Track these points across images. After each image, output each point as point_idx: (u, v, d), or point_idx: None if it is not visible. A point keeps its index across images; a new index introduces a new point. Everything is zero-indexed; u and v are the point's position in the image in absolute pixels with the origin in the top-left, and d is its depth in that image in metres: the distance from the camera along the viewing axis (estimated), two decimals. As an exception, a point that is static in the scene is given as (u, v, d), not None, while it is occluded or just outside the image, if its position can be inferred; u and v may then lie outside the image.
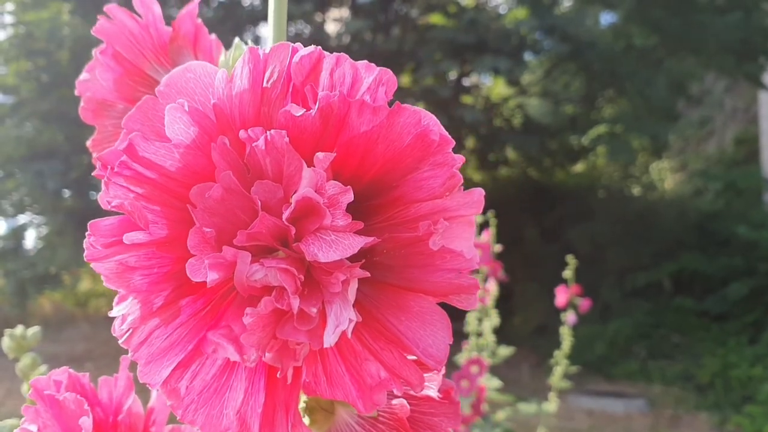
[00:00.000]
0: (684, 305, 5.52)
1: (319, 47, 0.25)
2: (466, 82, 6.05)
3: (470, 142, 5.85)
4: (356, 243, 0.24)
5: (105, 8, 0.34)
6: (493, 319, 1.77)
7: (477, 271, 1.67)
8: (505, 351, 1.76)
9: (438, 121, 0.25)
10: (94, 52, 0.36)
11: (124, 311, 0.26)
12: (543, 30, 4.96)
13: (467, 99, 5.87)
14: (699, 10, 5.26)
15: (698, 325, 5.43)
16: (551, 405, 1.98)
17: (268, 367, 0.26)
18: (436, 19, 5.58)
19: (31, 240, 6.42)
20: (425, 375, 0.28)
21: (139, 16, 0.35)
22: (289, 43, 0.25)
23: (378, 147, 0.25)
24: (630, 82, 5.05)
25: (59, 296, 7.43)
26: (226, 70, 0.27)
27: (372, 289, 0.27)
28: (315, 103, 0.24)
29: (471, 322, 1.71)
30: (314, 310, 0.24)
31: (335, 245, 0.24)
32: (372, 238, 0.25)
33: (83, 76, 0.37)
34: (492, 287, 1.84)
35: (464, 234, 0.27)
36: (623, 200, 6.37)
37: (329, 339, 0.24)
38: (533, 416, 1.98)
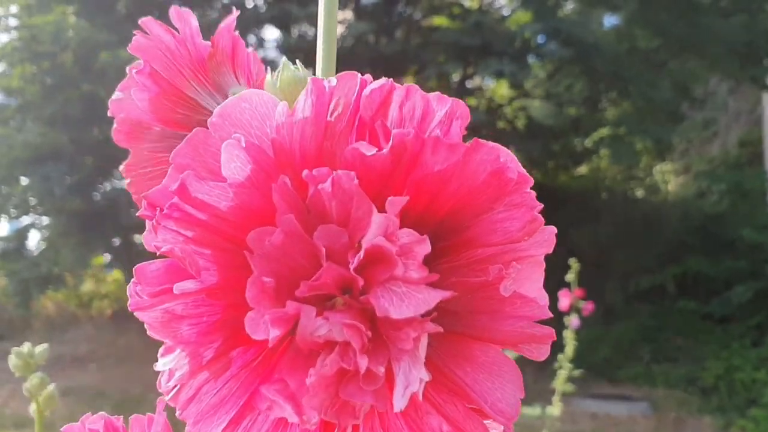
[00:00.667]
0: (688, 308, 5.51)
1: (391, 80, 0.23)
2: (470, 84, 6.05)
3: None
4: (432, 298, 0.22)
5: (141, 22, 0.32)
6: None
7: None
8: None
9: (515, 158, 0.24)
10: (129, 69, 0.34)
11: (171, 365, 0.24)
12: (547, 33, 4.96)
13: (471, 101, 5.87)
14: (703, 13, 5.26)
15: (702, 328, 5.42)
16: (555, 409, 1.98)
17: (323, 422, 0.24)
18: (440, 21, 5.58)
19: (34, 241, 6.46)
20: (485, 422, 0.26)
21: (176, 30, 0.34)
22: (356, 73, 0.23)
23: (450, 186, 0.23)
24: (633, 85, 5.05)
25: (62, 297, 7.44)
26: (275, 94, 0.26)
27: (435, 338, 0.24)
28: (386, 141, 0.23)
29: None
30: (381, 369, 0.22)
31: (408, 299, 0.22)
32: (449, 293, 0.22)
33: (116, 95, 0.34)
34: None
35: (534, 275, 0.25)
36: (627, 202, 6.37)
37: (399, 403, 0.22)
38: (537, 419, 1.98)
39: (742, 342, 5.08)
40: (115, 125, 0.35)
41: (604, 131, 5.60)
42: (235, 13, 0.34)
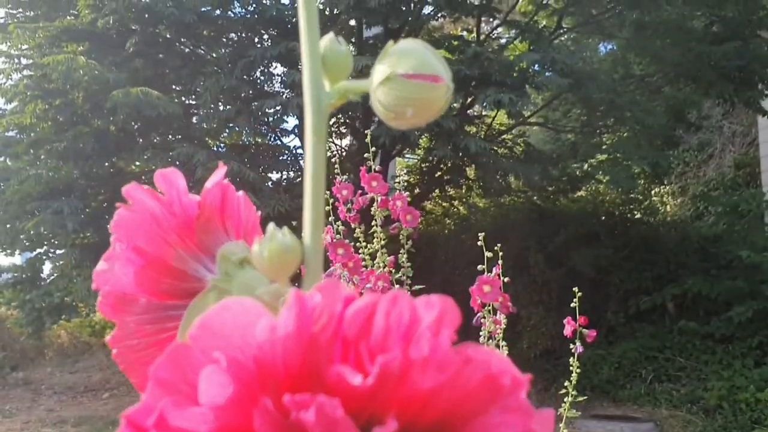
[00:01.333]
0: (688, 328, 5.60)
1: (377, 295, 0.23)
2: (470, 112, 6.18)
3: (473, 171, 5.97)
4: None
5: (124, 191, 0.32)
6: (503, 350, 1.88)
7: (488, 306, 1.78)
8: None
9: (509, 361, 0.23)
10: (112, 240, 0.33)
11: None
12: (543, 63, 5.09)
13: (471, 129, 6.00)
14: (696, 39, 5.40)
15: (703, 347, 5.50)
16: (559, 434, 2.07)
17: None
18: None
19: (47, 270, 6.56)
20: None
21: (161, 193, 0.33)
22: (339, 285, 0.24)
23: (440, 398, 0.23)
24: (629, 111, 5.18)
25: (75, 326, 7.55)
26: (262, 265, 0.28)
27: None
28: (371, 363, 0.23)
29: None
30: None
31: None
32: None
33: (100, 265, 0.34)
34: (502, 320, 1.95)
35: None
36: (625, 225, 6.47)
37: None
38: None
39: (744, 362, 5.16)
40: (100, 298, 0.35)
41: (601, 157, 5.72)
42: (222, 168, 0.34)
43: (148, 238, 0.33)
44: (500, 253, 1.95)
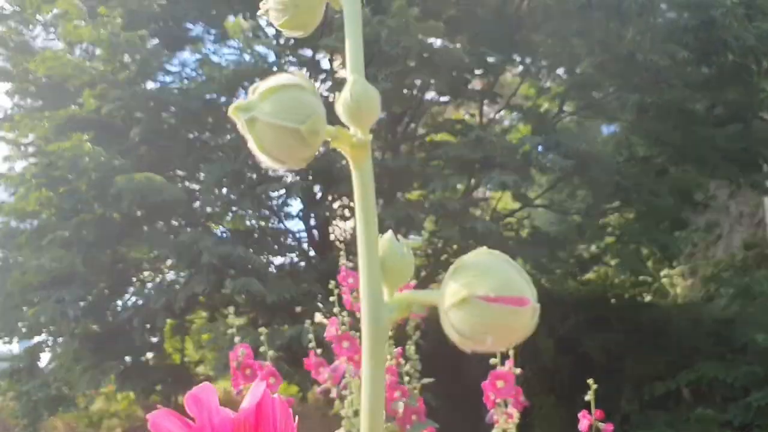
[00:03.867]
0: (706, 415, 5.41)
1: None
2: (475, 194, 6.17)
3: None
4: None
5: (149, 420, 0.31)
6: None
7: (501, 402, 1.69)
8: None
9: None
10: None
11: None
12: (546, 145, 5.11)
13: (476, 211, 5.98)
14: (699, 122, 5.43)
15: (722, 436, 5.31)
16: None
17: None
18: (442, 137, 5.76)
19: (45, 360, 6.42)
20: None
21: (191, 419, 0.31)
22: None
23: None
24: (635, 193, 5.16)
25: (72, 417, 7.34)
26: None
27: None
28: None
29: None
30: None
31: None
32: None
33: None
34: (514, 413, 1.85)
35: None
36: (636, 308, 6.36)
37: None
38: None
39: (764, 450, 4.97)
40: None
41: (609, 240, 5.67)
42: (261, 385, 0.33)
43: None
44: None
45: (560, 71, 5.96)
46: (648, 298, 6.73)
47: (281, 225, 6.13)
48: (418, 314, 2.06)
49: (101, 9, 4.89)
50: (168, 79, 5.56)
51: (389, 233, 0.30)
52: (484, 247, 0.31)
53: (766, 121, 5.57)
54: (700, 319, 6.03)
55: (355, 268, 2.15)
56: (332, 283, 1.99)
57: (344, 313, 1.98)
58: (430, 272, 6.24)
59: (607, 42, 4.98)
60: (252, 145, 0.31)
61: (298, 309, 5.11)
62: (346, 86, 0.32)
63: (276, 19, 0.35)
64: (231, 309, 2.01)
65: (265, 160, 0.32)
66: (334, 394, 1.84)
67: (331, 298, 1.94)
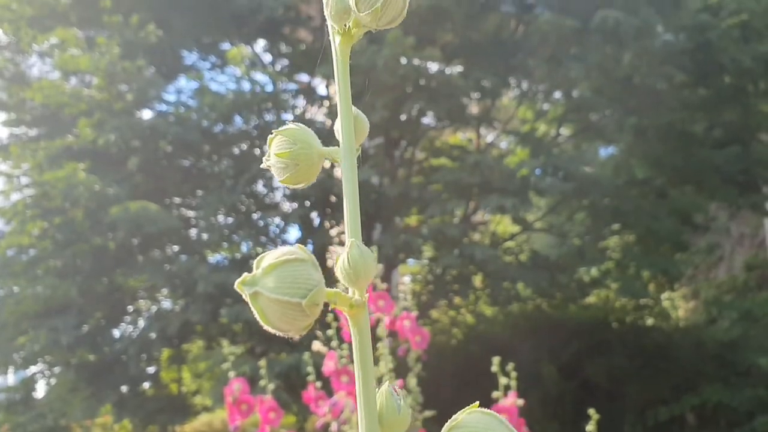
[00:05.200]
0: (711, 440, 5.35)
1: None
2: (474, 218, 6.14)
3: (479, 279, 5.87)
4: None
5: None
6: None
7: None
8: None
9: None
10: None
11: None
12: (544, 169, 5.09)
13: (475, 236, 5.94)
14: (697, 144, 5.42)
15: (728, 461, 5.23)
16: None
17: None
18: (439, 161, 5.74)
19: (40, 391, 6.34)
20: None
21: None
22: None
23: None
24: (634, 216, 5.13)
25: (67, 449, 7.24)
26: None
27: None
28: None
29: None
30: None
31: None
32: None
33: None
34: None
35: None
36: (638, 332, 6.31)
37: None
38: None
39: (771, 475, 4.89)
40: None
41: (609, 263, 5.63)
42: None
43: None
44: (514, 374, 1.82)
45: (557, 94, 5.97)
46: (650, 321, 6.67)
47: (279, 252, 6.08)
48: (420, 346, 2.01)
49: (99, 39, 4.89)
50: (165, 107, 5.55)
51: (386, 387, 0.33)
52: (476, 405, 0.33)
53: (765, 143, 5.56)
54: (703, 342, 5.98)
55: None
56: (330, 316, 1.95)
57: (343, 346, 1.93)
58: (429, 298, 6.20)
59: (604, 65, 4.98)
60: (256, 316, 0.34)
61: (296, 337, 5.05)
62: (344, 251, 0.35)
63: (278, 175, 0.39)
64: (226, 341, 1.97)
65: (267, 329, 0.34)
66: (333, 428, 1.79)
67: (329, 332, 1.90)
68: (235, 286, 0.34)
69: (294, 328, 0.34)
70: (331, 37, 0.39)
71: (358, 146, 0.39)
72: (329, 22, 0.39)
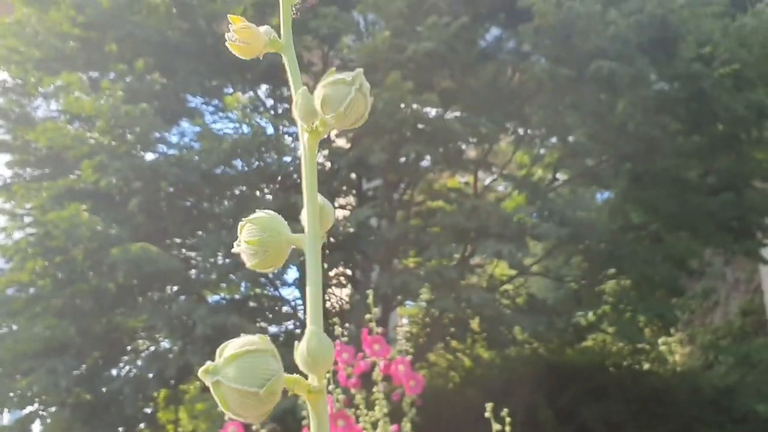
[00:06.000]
0: (710, 488, 5.31)
1: None
2: (471, 261, 6.17)
3: (476, 323, 5.88)
4: None
5: None
6: None
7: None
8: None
9: None
10: None
11: None
12: (541, 214, 5.14)
13: (472, 279, 5.97)
14: (692, 190, 5.48)
15: None
16: None
17: None
18: (437, 205, 5.80)
19: (36, 431, 6.29)
20: None
21: None
22: None
23: None
24: (630, 261, 5.17)
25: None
26: None
27: None
28: None
29: None
30: None
31: None
32: None
33: None
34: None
35: None
36: (635, 377, 6.30)
37: None
38: None
39: None
40: None
41: (605, 308, 5.66)
42: None
43: None
44: (508, 419, 1.85)
45: (554, 139, 6.05)
46: (647, 366, 6.66)
47: (277, 292, 6.10)
48: (414, 390, 2.05)
49: (104, 83, 4.99)
50: (166, 149, 5.62)
51: None
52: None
53: (759, 190, 5.62)
54: (700, 387, 5.97)
55: (350, 341, 2.15)
56: (326, 361, 1.98)
57: (338, 391, 1.96)
58: (426, 341, 6.20)
59: (599, 112, 5.07)
60: (217, 402, 0.36)
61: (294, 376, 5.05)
62: (303, 340, 0.38)
63: (248, 261, 0.42)
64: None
65: (228, 415, 0.36)
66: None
67: (327, 375, 1.93)
68: (199, 374, 0.36)
69: (252, 416, 0.35)
70: (299, 132, 0.43)
71: (323, 233, 0.42)
72: (298, 121, 0.43)
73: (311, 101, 0.42)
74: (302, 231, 0.43)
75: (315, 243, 0.41)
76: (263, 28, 0.44)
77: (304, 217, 0.43)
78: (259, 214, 0.43)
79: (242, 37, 0.43)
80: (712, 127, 5.45)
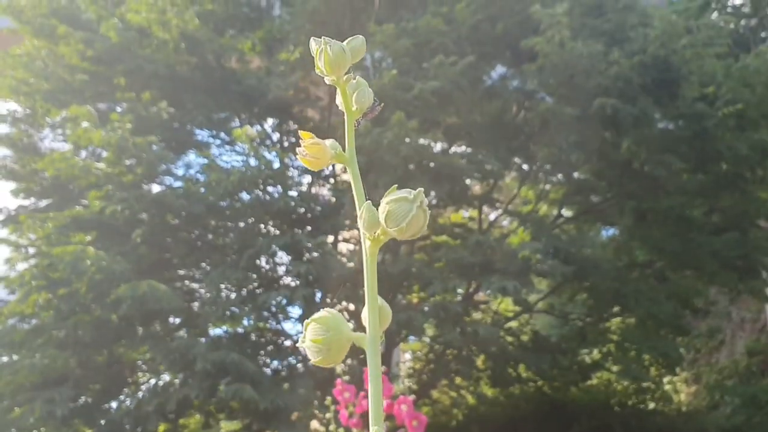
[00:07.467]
0: None
1: None
2: (475, 297, 6.15)
3: (482, 360, 5.84)
4: None
5: None
6: None
7: None
8: None
9: None
10: None
11: None
12: (545, 252, 5.13)
13: (476, 315, 5.94)
14: (696, 229, 5.47)
15: None
16: None
17: None
18: (441, 240, 5.79)
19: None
20: None
21: None
22: None
23: None
24: (634, 300, 5.14)
25: None
26: None
27: None
28: None
29: None
30: None
31: None
32: None
33: None
34: None
35: None
36: (640, 416, 6.23)
37: None
38: None
39: None
40: None
41: (609, 347, 5.62)
42: None
43: None
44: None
45: (559, 176, 6.06)
46: (652, 405, 6.59)
47: (279, 326, 6.07)
48: (417, 430, 2.02)
49: (113, 115, 5.02)
50: (172, 180, 5.65)
51: None
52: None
53: (763, 229, 5.61)
54: (706, 428, 5.89)
55: (351, 381, 2.13)
56: (329, 399, 1.97)
57: (340, 430, 1.95)
58: (430, 377, 6.16)
59: (604, 150, 5.09)
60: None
61: (294, 415, 5.01)
62: None
63: (312, 357, 0.45)
64: (223, 417, 1.98)
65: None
66: None
67: (328, 415, 1.91)
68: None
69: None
70: (362, 241, 0.46)
71: (381, 333, 0.45)
72: (361, 230, 0.45)
73: (375, 215, 0.45)
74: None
75: (374, 343, 0.44)
76: (328, 142, 0.48)
77: (364, 316, 0.45)
78: (323, 313, 0.46)
79: (311, 153, 0.47)
80: (716, 166, 5.46)
